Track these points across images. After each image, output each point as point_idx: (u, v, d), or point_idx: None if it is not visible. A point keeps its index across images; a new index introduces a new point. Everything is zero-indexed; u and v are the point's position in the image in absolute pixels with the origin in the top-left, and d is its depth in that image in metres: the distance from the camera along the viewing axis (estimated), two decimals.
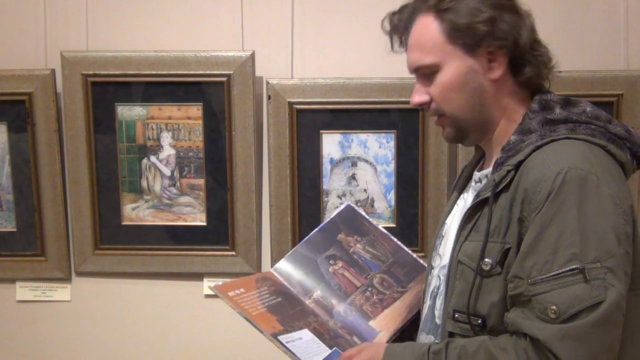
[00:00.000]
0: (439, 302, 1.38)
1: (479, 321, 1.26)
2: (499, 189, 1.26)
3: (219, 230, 2.18)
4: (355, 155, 2.14)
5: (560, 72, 1.38)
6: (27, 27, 2.17)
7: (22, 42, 2.18)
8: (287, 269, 1.57)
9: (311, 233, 1.63)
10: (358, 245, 1.60)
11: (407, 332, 1.53)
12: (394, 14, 1.38)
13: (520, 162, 1.25)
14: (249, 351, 2.21)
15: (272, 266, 2.10)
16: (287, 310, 1.47)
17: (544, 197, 1.18)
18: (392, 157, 2.13)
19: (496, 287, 1.24)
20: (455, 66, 1.30)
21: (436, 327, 1.38)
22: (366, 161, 2.14)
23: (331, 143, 2.13)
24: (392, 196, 2.15)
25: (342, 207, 1.67)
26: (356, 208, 1.68)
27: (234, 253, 2.17)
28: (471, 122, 1.34)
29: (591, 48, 2.10)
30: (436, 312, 1.39)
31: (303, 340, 1.39)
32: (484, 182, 1.37)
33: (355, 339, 1.48)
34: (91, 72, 2.12)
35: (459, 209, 1.43)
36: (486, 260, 1.24)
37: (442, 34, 1.30)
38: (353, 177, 2.15)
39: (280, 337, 1.38)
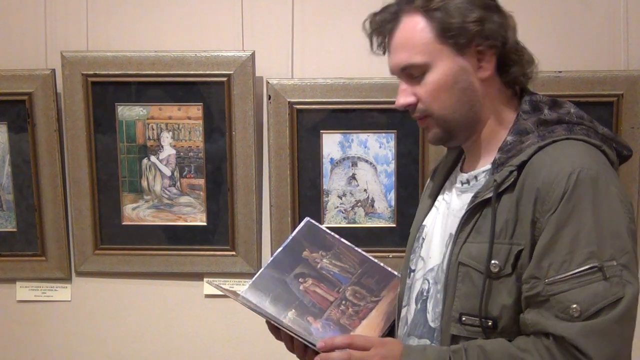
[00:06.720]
0: (431, 306, 1.37)
1: (490, 323, 1.26)
2: (502, 189, 1.26)
3: (219, 230, 2.18)
4: (355, 155, 2.14)
5: (539, 72, 1.39)
6: (27, 27, 2.17)
7: (22, 42, 2.18)
8: (257, 293, 1.53)
9: (274, 254, 1.61)
10: (324, 260, 1.58)
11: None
12: (376, 14, 1.37)
13: (524, 163, 1.25)
14: (248, 351, 2.21)
15: None
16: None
17: (559, 198, 1.19)
18: (392, 157, 2.13)
19: (506, 289, 1.25)
20: (445, 66, 1.30)
21: (431, 331, 1.36)
22: (366, 161, 2.14)
23: (331, 143, 2.13)
24: (392, 196, 2.15)
25: (302, 223, 1.64)
26: (315, 223, 1.65)
27: (234, 253, 2.17)
28: (459, 123, 1.34)
29: (591, 48, 2.10)
30: (429, 316, 1.38)
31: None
32: (472, 183, 1.37)
33: None
34: (91, 72, 2.12)
35: (441, 211, 1.42)
36: (493, 261, 1.24)
37: (432, 34, 1.30)
38: (353, 177, 2.15)
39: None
